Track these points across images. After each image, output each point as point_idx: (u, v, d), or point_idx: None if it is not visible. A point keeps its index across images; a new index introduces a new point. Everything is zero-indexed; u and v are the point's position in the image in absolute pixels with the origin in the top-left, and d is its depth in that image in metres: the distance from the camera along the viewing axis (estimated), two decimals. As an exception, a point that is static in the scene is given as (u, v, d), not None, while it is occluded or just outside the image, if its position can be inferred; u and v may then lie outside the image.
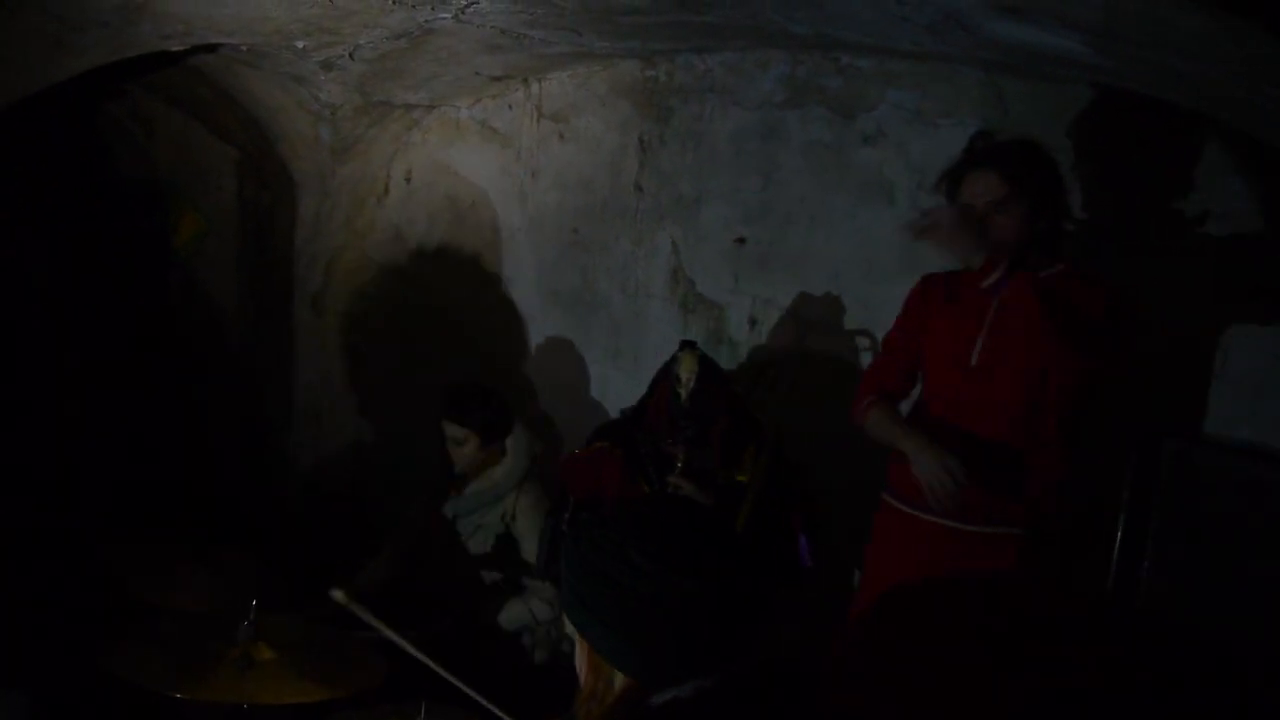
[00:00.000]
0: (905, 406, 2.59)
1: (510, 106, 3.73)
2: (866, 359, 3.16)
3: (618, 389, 3.61)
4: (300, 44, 2.94)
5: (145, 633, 2.29)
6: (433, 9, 2.69)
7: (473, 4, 2.65)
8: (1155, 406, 2.65)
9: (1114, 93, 2.71)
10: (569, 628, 1.32)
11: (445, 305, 3.92)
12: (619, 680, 1.26)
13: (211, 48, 3.00)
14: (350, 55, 3.05)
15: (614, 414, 3.60)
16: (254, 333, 4.05)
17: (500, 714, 2.06)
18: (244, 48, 3.00)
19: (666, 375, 2.58)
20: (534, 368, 3.79)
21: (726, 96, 3.33)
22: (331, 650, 2.34)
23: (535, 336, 3.78)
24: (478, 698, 2.11)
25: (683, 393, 2.49)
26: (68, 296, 3.77)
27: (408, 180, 3.96)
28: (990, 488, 2.36)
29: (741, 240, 3.35)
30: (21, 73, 2.61)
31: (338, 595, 2.24)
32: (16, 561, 2.99)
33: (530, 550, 2.99)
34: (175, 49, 2.87)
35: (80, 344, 3.76)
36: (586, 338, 3.68)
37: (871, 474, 2.86)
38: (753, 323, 3.36)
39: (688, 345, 2.59)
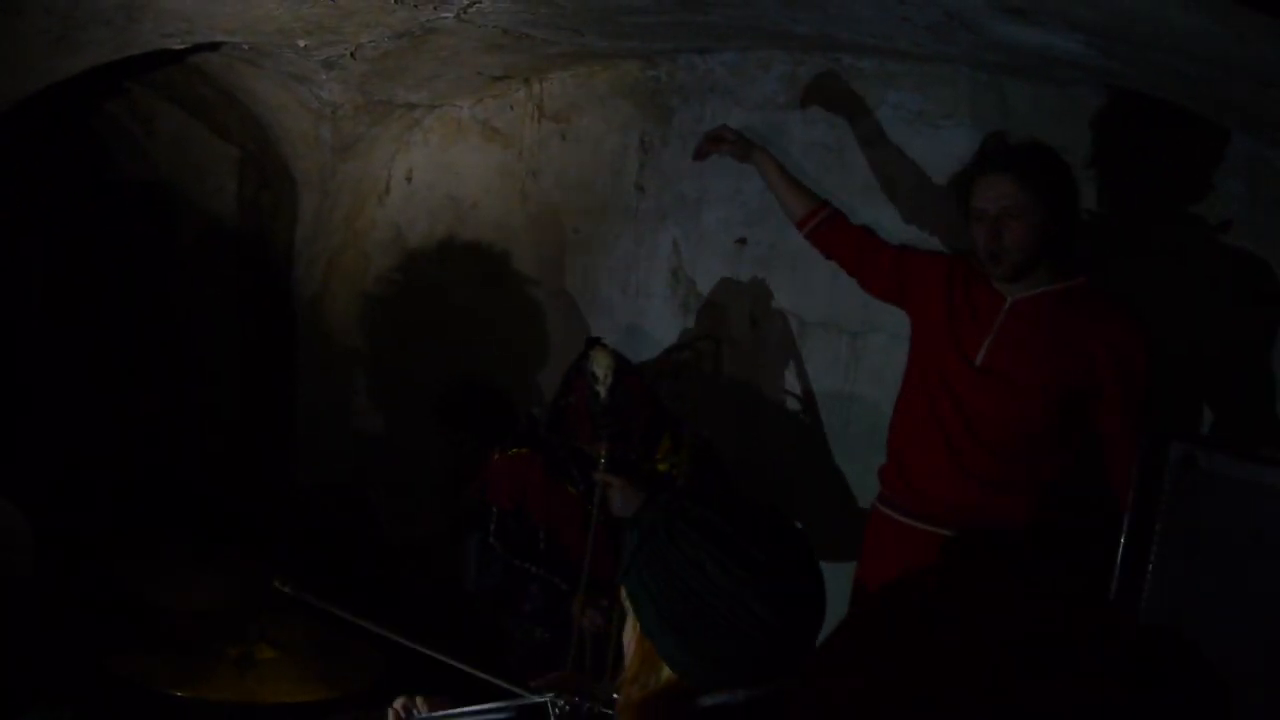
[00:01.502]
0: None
1: (511, 106, 3.72)
2: (868, 360, 3.17)
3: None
4: (302, 43, 2.93)
5: (147, 633, 2.29)
6: (435, 8, 2.69)
7: (475, 4, 2.65)
8: (1162, 409, 2.66)
9: (1117, 95, 2.71)
10: (625, 600, 1.27)
11: (446, 305, 3.92)
12: (666, 672, 1.22)
13: (213, 46, 3.00)
14: (352, 54, 3.05)
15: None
16: (255, 332, 4.04)
17: (500, 682, 2.02)
18: (246, 46, 3.00)
19: (581, 374, 2.56)
20: (534, 368, 3.78)
21: (728, 97, 3.33)
22: (333, 649, 2.34)
23: (535, 337, 3.78)
24: (461, 665, 2.08)
25: (601, 390, 2.48)
26: (67, 297, 3.77)
27: (409, 180, 3.95)
28: (990, 487, 2.36)
29: (743, 241, 3.35)
30: (24, 72, 2.61)
31: (278, 583, 2.19)
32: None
33: None
34: (176, 47, 2.87)
35: (80, 345, 3.75)
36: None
37: (864, 482, 2.87)
38: (753, 323, 3.36)
39: (596, 342, 2.59)
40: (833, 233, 2.69)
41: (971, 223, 2.37)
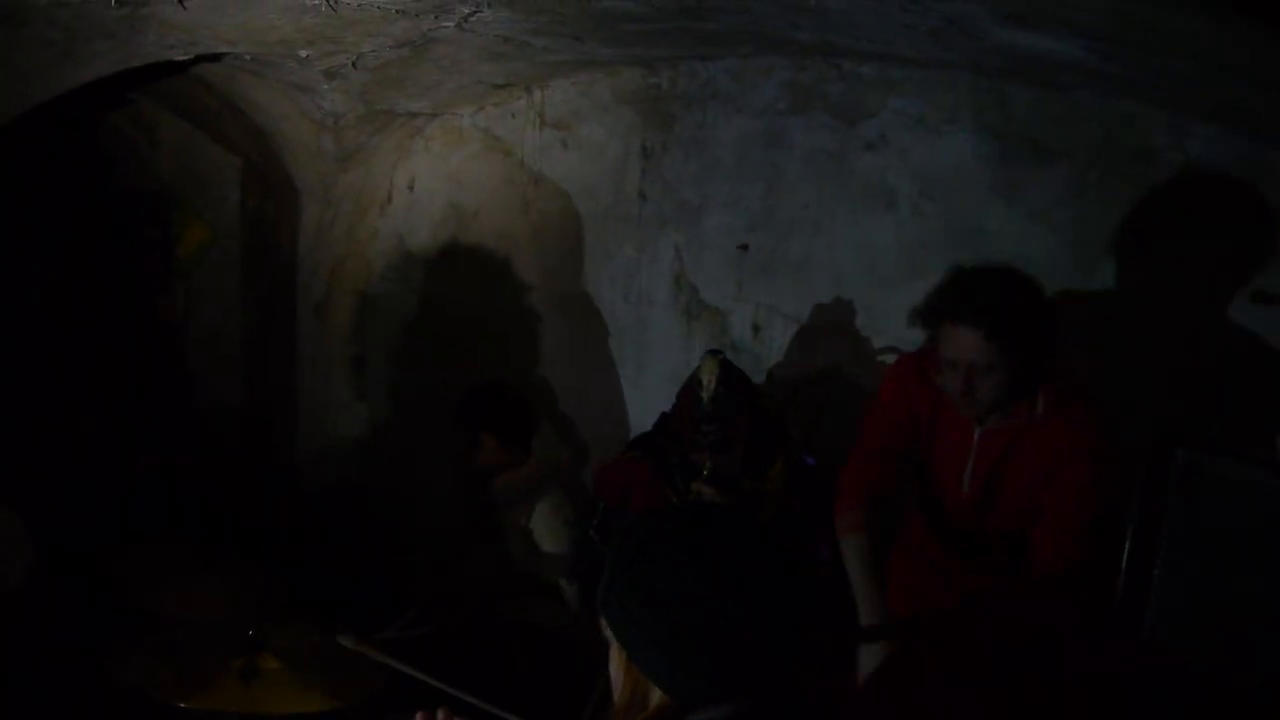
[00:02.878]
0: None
1: (513, 114, 3.73)
2: (874, 362, 3.16)
3: (620, 396, 3.61)
4: (304, 53, 2.94)
5: (149, 641, 2.28)
6: (435, 18, 2.70)
7: (476, 12, 2.65)
8: (1166, 414, 2.65)
9: (1118, 98, 2.72)
10: (606, 631, 1.27)
11: (448, 313, 3.92)
12: (656, 695, 1.21)
13: (215, 57, 3.01)
14: (353, 64, 3.06)
15: (616, 421, 3.61)
16: (258, 340, 4.05)
17: None
18: (248, 57, 3.01)
19: (690, 381, 2.62)
20: (536, 376, 3.78)
21: (729, 103, 3.34)
22: (337, 659, 2.33)
23: (538, 344, 3.78)
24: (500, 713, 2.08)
25: (704, 395, 2.53)
26: (72, 306, 3.78)
27: (410, 188, 3.96)
28: (1000, 569, 2.37)
29: (745, 247, 3.35)
30: (29, 83, 2.62)
31: (346, 640, 2.21)
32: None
33: (549, 551, 2.99)
34: (179, 58, 2.88)
35: (85, 353, 3.76)
36: (589, 345, 3.68)
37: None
38: (756, 329, 3.36)
39: (712, 352, 2.64)
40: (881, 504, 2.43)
41: (942, 365, 2.22)
